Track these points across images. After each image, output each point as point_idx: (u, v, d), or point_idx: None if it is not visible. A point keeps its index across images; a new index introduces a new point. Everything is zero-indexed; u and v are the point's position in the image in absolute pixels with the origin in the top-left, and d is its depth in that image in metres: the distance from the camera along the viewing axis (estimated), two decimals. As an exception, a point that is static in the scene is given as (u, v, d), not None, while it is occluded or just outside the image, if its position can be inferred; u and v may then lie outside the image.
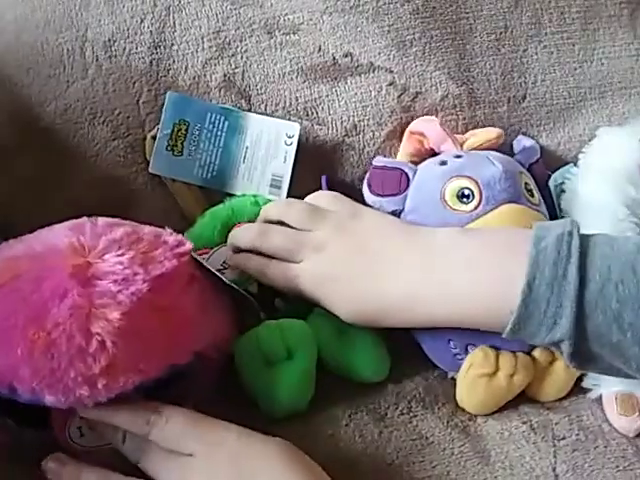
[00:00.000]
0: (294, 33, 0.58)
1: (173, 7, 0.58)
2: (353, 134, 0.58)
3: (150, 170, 0.56)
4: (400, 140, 0.58)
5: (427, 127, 0.57)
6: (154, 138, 0.56)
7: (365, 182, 0.56)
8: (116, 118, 0.57)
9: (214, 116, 0.57)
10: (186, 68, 0.58)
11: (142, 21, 0.58)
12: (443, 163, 0.55)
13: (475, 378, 0.49)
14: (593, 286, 0.40)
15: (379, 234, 0.49)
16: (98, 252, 0.42)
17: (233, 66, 0.58)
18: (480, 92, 0.59)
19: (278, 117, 0.58)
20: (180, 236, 0.45)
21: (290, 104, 0.58)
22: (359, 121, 0.58)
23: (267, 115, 0.58)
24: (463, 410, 0.50)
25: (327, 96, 0.58)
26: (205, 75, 0.58)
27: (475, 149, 0.57)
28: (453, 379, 0.51)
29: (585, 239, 0.42)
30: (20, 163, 0.56)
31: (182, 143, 0.56)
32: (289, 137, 0.56)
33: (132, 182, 0.57)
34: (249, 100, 0.58)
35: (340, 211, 0.50)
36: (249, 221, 0.54)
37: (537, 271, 0.41)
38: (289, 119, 0.58)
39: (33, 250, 0.43)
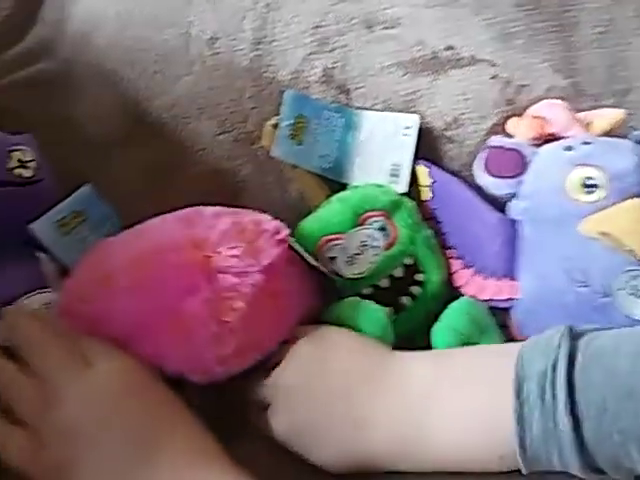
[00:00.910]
0: (394, 27, 0.59)
1: (273, 4, 0.59)
2: (453, 127, 0.58)
3: (272, 154, 0.56)
4: (503, 133, 0.57)
5: (551, 111, 0.55)
6: (274, 126, 0.56)
7: (480, 161, 0.55)
8: (222, 113, 0.58)
9: (329, 113, 0.58)
10: (286, 63, 0.58)
11: (243, 18, 0.59)
12: (569, 149, 0.52)
13: None
14: (588, 425, 0.38)
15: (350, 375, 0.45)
16: (212, 244, 0.45)
17: (332, 61, 0.59)
18: (585, 85, 0.58)
19: (377, 110, 0.58)
20: (277, 222, 0.49)
21: (390, 97, 0.58)
22: (460, 114, 0.58)
23: (370, 109, 0.58)
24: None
25: (427, 89, 0.58)
26: (305, 70, 0.59)
27: (605, 134, 0.54)
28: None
29: (571, 369, 0.39)
30: (130, 155, 0.58)
31: (302, 134, 0.57)
32: (407, 128, 0.57)
33: (237, 174, 0.58)
34: (348, 94, 0.59)
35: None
36: (382, 208, 0.54)
37: (525, 428, 0.39)
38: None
39: (153, 244, 0.46)
